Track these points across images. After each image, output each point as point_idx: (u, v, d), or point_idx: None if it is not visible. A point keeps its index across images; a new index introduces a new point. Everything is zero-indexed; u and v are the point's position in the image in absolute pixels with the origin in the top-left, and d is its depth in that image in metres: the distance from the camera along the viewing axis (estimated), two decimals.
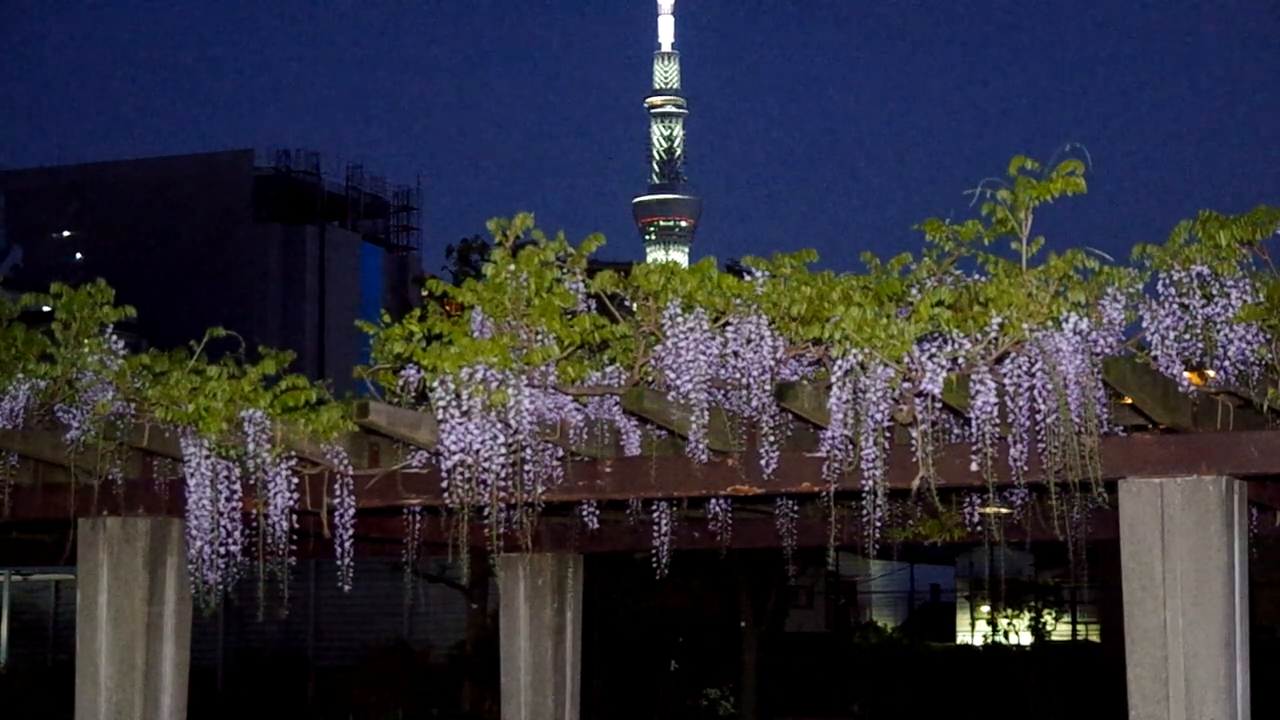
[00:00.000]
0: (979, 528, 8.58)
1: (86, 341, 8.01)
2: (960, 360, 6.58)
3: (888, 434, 6.69)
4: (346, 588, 7.82)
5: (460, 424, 6.95)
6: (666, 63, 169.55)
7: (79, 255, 57.88)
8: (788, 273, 7.05)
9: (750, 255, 7.18)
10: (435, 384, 6.98)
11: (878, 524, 6.92)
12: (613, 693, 26.94)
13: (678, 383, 6.92)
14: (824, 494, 7.10)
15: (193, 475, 7.64)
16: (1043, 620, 36.78)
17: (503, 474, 7.03)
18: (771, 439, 6.94)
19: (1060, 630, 38.51)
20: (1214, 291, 6.56)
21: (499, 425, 6.97)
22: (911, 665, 31.93)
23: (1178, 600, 6.66)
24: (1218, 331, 6.52)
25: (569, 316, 7.32)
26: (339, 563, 7.78)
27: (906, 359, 6.57)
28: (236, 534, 7.67)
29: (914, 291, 6.85)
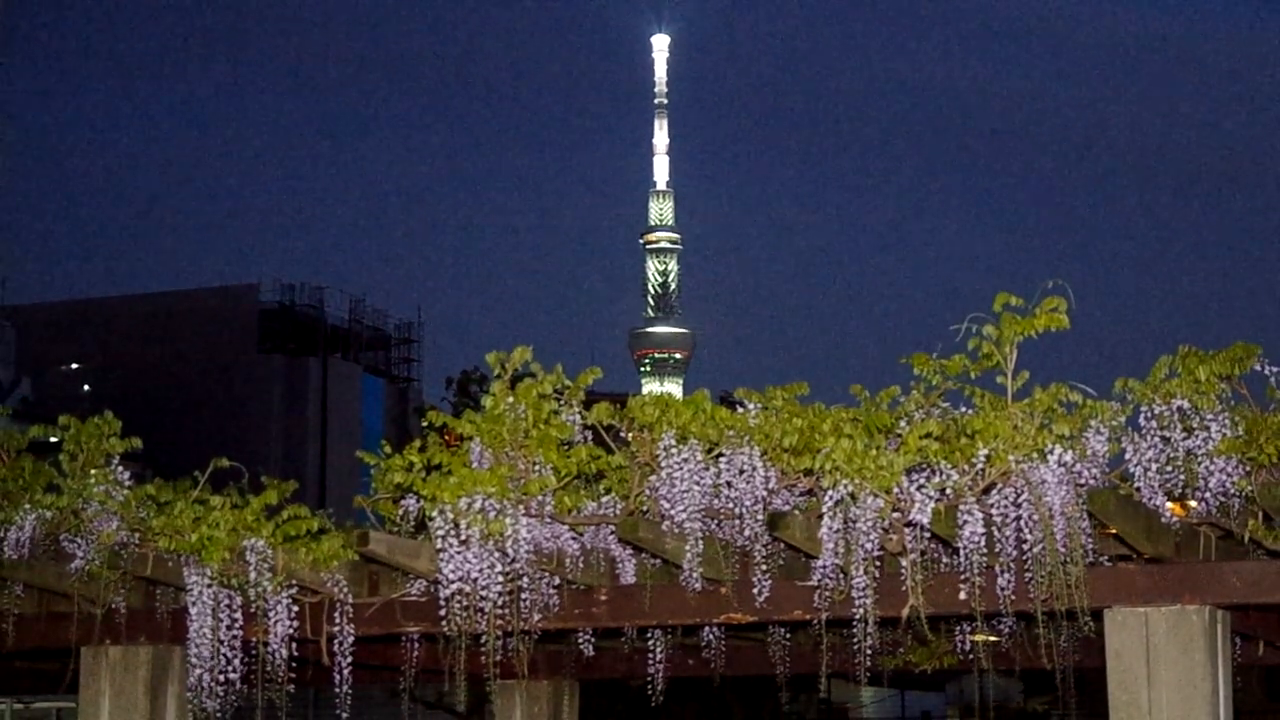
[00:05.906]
0: (968, 655, 8.65)
1: (93, 472, 8.13)
2: (948, 491, 6.70)
3: (878, 563, 6.79)
4: (345, 715, 7.87)
5: (459, 553, 7.05)
6: (661, 200, 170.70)
7: (87, 387, 57.99)
8: (779, 405, 7.19)
9: (743, 388, 7.32)
10: (434, 513, 7.09)
11: (869, 651, 7.00)
12: None
13: (672, 513, 7.03)
14: (816, 622, 7.19)
15: (195, 604, 7.73)
16: None
17: (500, 602, 7.13)
18: (764, 568, 7.05)
19: None
20: (1195, 425, 6.71)
21: (496, 554, 7.07)
22: None
23: None
24: (1199, 464, 6.66)
25: (566, 447, 7.45)
26: (337, 690, 7.84)
27: (896, 489, 6.69)
28: (236, 662, 7.75)
29: (903, 423, 6.97)
